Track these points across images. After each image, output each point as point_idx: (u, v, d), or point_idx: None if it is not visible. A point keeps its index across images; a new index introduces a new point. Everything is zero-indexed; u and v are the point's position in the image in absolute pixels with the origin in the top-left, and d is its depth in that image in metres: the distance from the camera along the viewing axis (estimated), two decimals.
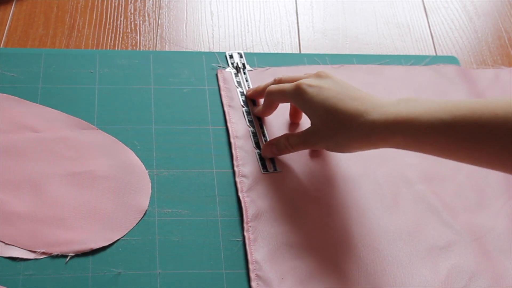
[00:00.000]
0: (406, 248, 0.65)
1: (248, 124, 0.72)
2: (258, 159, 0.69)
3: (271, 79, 0.75)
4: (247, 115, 0.73)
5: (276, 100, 0.70)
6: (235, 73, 0.76)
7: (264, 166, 0.69)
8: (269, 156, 0.69)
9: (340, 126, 0.61)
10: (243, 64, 0.77)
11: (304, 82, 0.65)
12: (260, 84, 0.73)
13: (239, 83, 0.75)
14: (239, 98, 0.74)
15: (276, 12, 0.87)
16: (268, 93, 0.69)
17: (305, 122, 0.73)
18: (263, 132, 0.71)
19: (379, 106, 0.60)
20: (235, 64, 0.77)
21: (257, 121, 0.72)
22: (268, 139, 0.71)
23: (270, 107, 0.71)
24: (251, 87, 0.75)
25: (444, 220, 0.67)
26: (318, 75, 0.65)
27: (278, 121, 0.73)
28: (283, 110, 0.73)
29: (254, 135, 0.71)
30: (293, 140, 0.67)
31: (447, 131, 0.56)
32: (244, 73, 0.76)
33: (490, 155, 0.54)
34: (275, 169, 0.69)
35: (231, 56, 0.78)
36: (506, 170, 0.55)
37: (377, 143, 0.60)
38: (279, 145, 0.68)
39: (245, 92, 0.74)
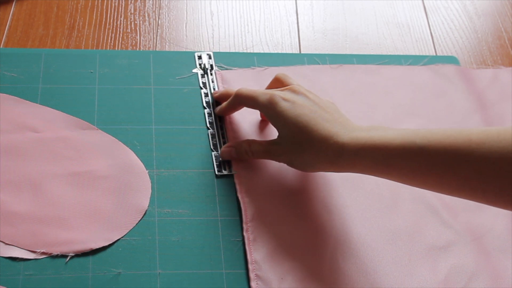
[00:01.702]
0: (406, 248, 0.65)
1: (208, 125, 0.72)
2: (214, 160, 0.69)
3: (270, 79, 0.75)
4: (208, 116, 0.72)
5: (243, 104, 0.69)
6: (201, 74, 0.76)
7: (219, 168, 0.69)
8: (226, 158, 0.69)
9: (308, 145, 0.61)
10: (211, 66, 0.77)
11: (279, 94, 0.64)
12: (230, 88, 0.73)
13: (204, 84, 0.75)
14: (202, 99, 0.74)
15: (276, 12, 0.87)
16: (238, 94, 0.68)
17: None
18: (222, 134, 0.71)
19: (351, 130, 0.60)
20: (202, 65, 0.77)
21: (217, 123, 0.72)
22: (227, 141, 0.70)
23: (234, 108, 0.70)
24: (216, 89, 0.75)
25: (443, 220, 0.67)
26: (292, 90, 0.65)
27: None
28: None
29: (213, 136, 0.71)
30: (255, 147, 0.67)
31: (419, 154, 0.55)
32: (211, 74, 0.76)
33: (460, 181, 0.54)
34: (230, 171, 0.68)
35: (199, 57, 0.78)
36: (474, 196, 0.54)
37: (344, 167, 0.60)
38: (239, 149, 0.68)
39: (209, 94, 0.74)
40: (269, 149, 0.65)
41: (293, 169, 0.69)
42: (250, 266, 0.62)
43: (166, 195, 0.66)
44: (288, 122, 0.62)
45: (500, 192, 0.52)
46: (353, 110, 0.75)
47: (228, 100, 0.70)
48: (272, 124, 0.65)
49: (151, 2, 0.85)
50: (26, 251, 0.61)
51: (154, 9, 0.84)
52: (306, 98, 0.64)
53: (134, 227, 0.64)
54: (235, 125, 0.72)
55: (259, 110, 0.67)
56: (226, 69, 0.77)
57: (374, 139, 0.58)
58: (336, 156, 0.60)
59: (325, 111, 0.63)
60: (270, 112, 0.64)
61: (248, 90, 0.67)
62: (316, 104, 0.63)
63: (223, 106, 0.71)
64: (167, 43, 0.81)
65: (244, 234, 0.64)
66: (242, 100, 0.68)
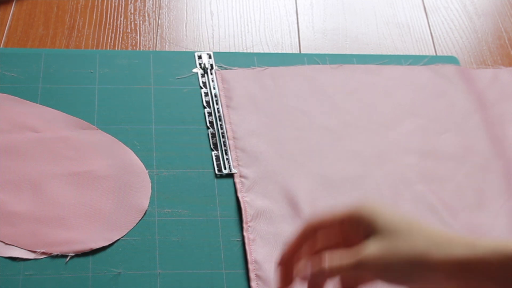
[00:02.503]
0: None
1: (208, 125, 0.72)
2: (214, 160, 0.69)
3: (269, 79, 0.75)
4: (208, 116, 0.72)
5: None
6: (201, 74, 0.76)
7: (219, 168, 0.68)
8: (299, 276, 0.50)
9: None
10: (211, 65, 0.77)
11: None
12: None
13: (204, 84, 0.75)
14: (202, 99, 0.74)
15: (276, 12, 0.87)
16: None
17: None
18: (222, 134, 0.71)
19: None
20: (202, 65, 0.77)
21: (217, 123, 0.72)
22: (227, 140, 0.70)
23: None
24: (216, 88, 0.75)
25: (443, 220, 0.67)
26: None
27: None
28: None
29: (213, 136, 0.71)
30: (337, 261, 0.47)
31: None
32: (211, 74, 0.76)
33: None
34: (230, 171, 0.68)
35: (199, 57, 0.78)
36: None
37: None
38: (318, 275, 0.48)
39: (209, 93, 0.74)
40: (359, 255, 0.46)
41: (291, 168, 0.69)
42: (250, 266, 0.62)
43: (166, 195, 0.66)
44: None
45: None
46: (353, 110, 0.75)
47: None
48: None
49: (151, 2, 0.85)
50: (26, 251, 0.61)
51: (154, 9, 0.84)
52: None
53: (134, 227, 0.64)
54: (235, 125, 0.72)
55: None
56: (226, 69, 0.77)
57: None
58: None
59: None
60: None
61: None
62: None
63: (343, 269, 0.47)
64: (167, 43, 0.81)
65: (244, 234, 0.64)
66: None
